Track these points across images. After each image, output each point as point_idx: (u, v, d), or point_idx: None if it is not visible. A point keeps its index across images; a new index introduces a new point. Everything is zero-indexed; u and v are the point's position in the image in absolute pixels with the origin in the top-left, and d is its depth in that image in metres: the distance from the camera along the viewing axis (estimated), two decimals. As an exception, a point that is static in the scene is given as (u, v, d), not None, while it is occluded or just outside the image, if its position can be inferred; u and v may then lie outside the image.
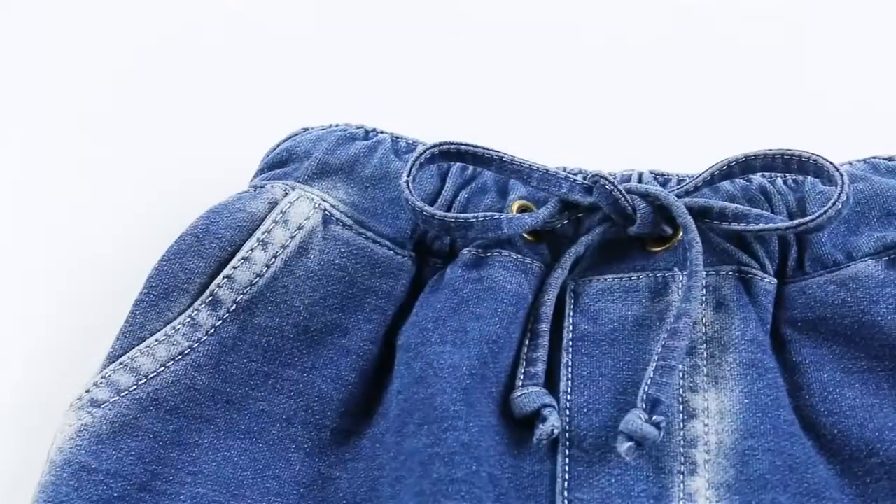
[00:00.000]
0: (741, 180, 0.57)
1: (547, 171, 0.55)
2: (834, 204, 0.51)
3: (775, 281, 0.55)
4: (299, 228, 0.55)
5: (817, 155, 0.54)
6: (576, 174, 0.58)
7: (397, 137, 0.60)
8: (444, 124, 0.65)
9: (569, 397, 0.52)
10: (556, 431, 0.50)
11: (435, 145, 0.55)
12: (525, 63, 0.73)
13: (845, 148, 0.60)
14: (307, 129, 0.61)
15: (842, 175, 0.52)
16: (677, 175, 0.59)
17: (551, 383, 0.52)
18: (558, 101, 0.71)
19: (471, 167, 0.58)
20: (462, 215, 0.53)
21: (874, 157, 0.58)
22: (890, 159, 0.58)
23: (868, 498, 0.49)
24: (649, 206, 0.54)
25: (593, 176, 0.55)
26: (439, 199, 0.57)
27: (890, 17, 0.74)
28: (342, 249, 0.55)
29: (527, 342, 0.54)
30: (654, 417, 0.49)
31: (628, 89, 0.72)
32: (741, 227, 0.53)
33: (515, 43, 0.74)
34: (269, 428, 0.53)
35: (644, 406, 0.49)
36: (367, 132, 0.60)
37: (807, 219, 0.52)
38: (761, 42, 0.74)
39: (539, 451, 0.51)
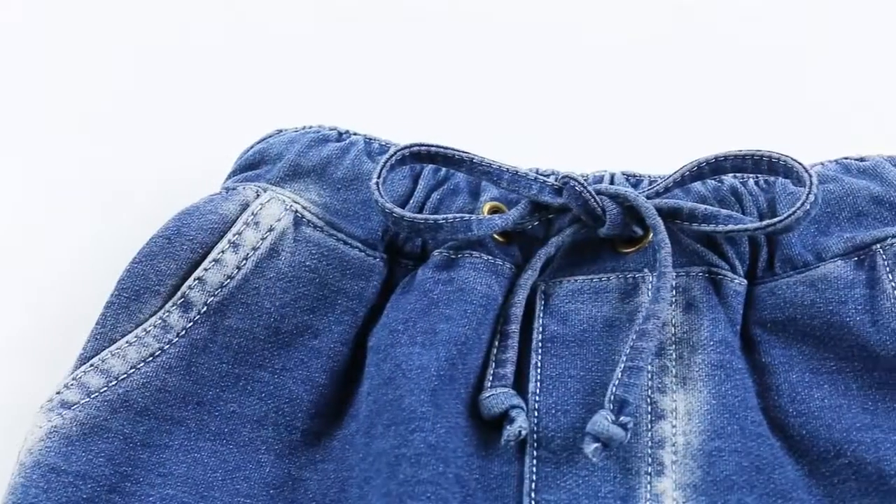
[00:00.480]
0: (713, 181, 0.58)
1: (517, 172, 0.55)
2: (802, 205, 0.51)
3: (745, 282, 0.55)
4: (270, 230, 0.55)
5: (787, 156, 0.54)
6: (548, 175, 0.58)
7: (370, 139, 0.60)
8: (420, 126, 0.65)
9: (537, 398, 0.52)
10: (523, 432, 0.50)
11: (405, 147, 0.55)
12: (502, 65, 0.73)
13: (820, 148, 0.60)
14: (281, 130, 0.61)
15: (810, 176, 0.52)
16: (649, 176, 0.59)
17: (520, 384, 0.52)
18: (536, 102, 0.71)
19: (444, 169, 0.58)
20: (431, 217, 0.54)
21: (846, 158, 0.58)
22: (861, 160, 0.58)
23: (835, 499, 0.49)
24: (619, 208, 0.54)
25: (563, 177, 0.55)
26: (411, 201, 0.57)
27: (866, 19, 0.74)
28: (313, 251, 0.55)
29: (496, 343, 0.54)
30: (621, 418, 0.49)
31: (604, 91, 0.72)
32: (711, 228, 0.54)
33: (492, 45, 0.74)
34: (240, 429, 0.53)
35: (611, 407, 0.49)
36: (340, 134, 0.60)
37: (775, 220, 0.52)
38: (737, 43, 0.74)
39: (507, 453, 0.51)
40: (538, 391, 0.52)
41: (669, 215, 0.54)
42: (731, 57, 0.73)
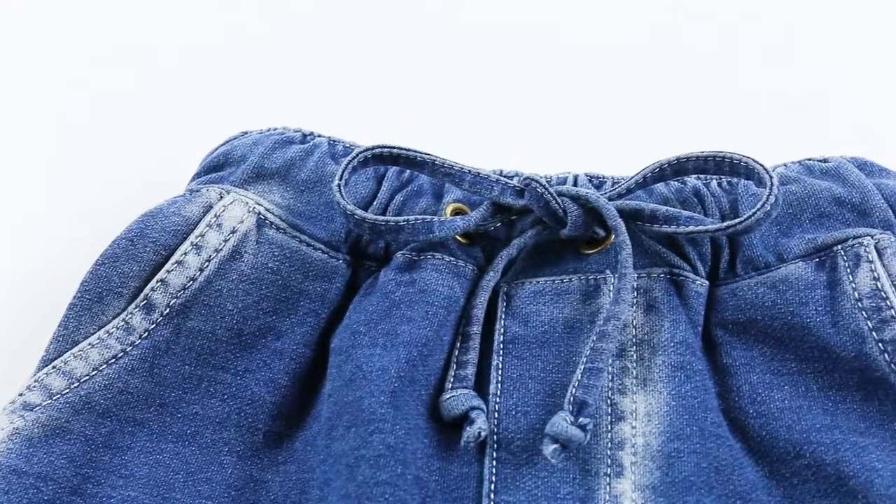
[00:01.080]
0: (675, 183, 0.58)
1: (479, 174, 0.55)
2: (762, 206, 0.51)
3: (706, 283, 0.55)
4: (233, 232, 0.55)
5: (748, 157, 0.54)
6: (511, 177, 0.58)
7: (334, 141, 0.60)
8: (384, 127, 0.66)
9: (498, 400, 0.52)
10: (483, 434, 0.50)
11: (368, 149, 0.55)
12: (467, 66, 0.73)
13: (785, 149, 0.60)
14: (245, 132, 0.61)
15: (771, 177, 0.52)
16: (613, 178, 0.59)
17: (481, 386, 0.52)
18: (502, 104, 0.71)
19: (408, 170, 0.58)
20: (393, 218, 0.54)
21: (809, 159, 0.58)
22: (824, 161, 0.58)
23: (795, 500, 0.49)
24: (580, 209, 0.54)
25: (525, 179, 0.55)
26: (374, 203, 0.57)
27: (832, 21, 0.75)
28: (276, 253, 0.55)
29: (458, 345, 0.54)
30: (581, 420, 0.49)
31: (570, 92, 0.72)
32: (672, 229, 0.54)
33: (457, 46, 0.74)
34: (202, 431, 0.53)
35: (571, 408, 0.49)
36: (304, 136, 0.60)
37: (736, 221, 0.52)
38: (701, 46, 0.74)
39: (467, 454, 0.51)
40: (499, 392, 0.52)
41: (631, 217, 0.54)
42: (696, 58, 0.73)
